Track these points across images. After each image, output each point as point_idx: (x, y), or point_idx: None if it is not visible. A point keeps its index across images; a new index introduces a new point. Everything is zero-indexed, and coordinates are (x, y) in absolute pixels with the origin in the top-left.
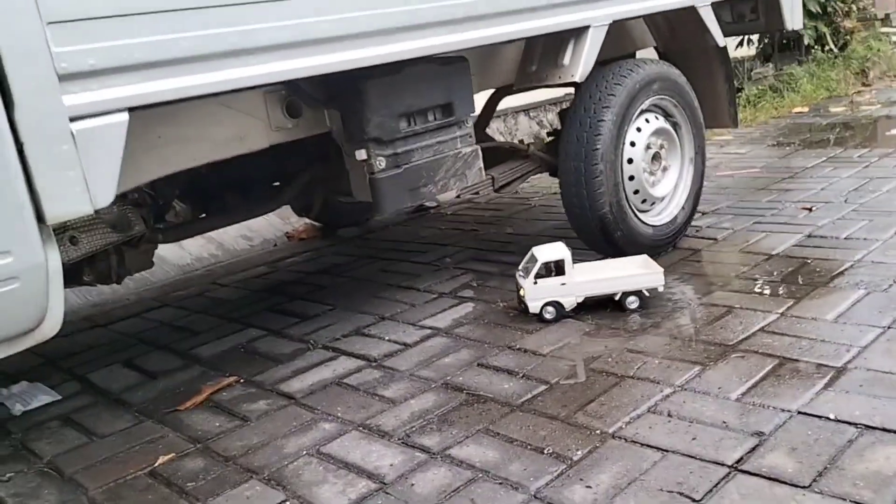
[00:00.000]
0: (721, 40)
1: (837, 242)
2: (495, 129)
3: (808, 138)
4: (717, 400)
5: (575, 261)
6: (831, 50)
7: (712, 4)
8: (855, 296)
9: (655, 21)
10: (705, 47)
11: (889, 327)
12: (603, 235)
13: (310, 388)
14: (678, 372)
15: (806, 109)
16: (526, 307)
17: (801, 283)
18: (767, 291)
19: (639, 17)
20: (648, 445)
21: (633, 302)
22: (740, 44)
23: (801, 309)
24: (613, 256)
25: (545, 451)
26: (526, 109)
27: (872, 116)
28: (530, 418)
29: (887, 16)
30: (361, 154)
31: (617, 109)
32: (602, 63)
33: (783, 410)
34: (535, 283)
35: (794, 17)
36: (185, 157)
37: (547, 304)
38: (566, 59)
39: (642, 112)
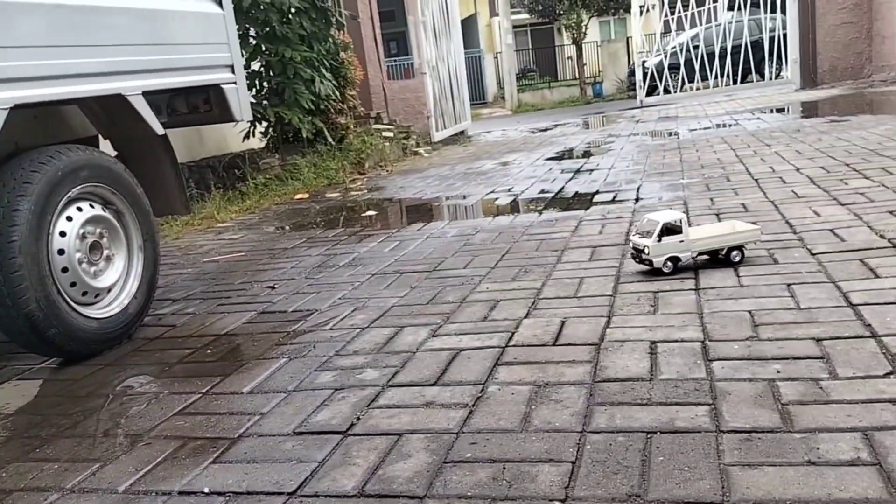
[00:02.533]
0: (159, 129)
1: (284, 316)
2: None
3: (298, 222)
4: (101, 497)
5: None
6: (329, 143)
7: (151, 94)
8: (276, 365)
9: (91, 108)
10: (147, 136)
11: (293, 391)
12: (35, 335)
13: None
14: (74, 474)
15: (306, 196)
16: (651, 262)
17: (235, 359)
18: (201, 372)
19: (53, 102)
20: None
21: (736, 256)
22: (247, 136)
23: (225, 385)
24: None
25: None
26: None
27: (357, 200)
28: None
29: (379, 114)
30: None
31: (35, 198)
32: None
33: (164, 493)
34: (660, 241)
35: (242, 110)
36: None
37: (668, 259)
38: None
39: (72, 200)
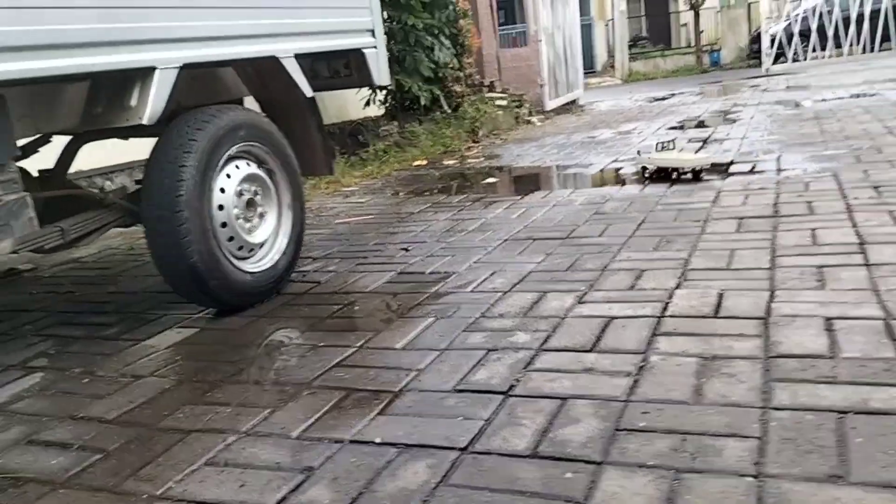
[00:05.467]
0: (308, 91)
1: (422, 277)
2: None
3: (420, 188)
4: (277, 441)
5: None
6: (445, 111)
7: (300, 57)
8: (424, 324)
9: (245, 70)
10: (296, 98)
11: (445, 349)
12: (196, 285)
13: None
14: (247, 418)
15: (425, 163)
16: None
17: (383, 316)
18: (351, 327)
19: (215, 63)
20: (195, 501)
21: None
22: (367, 103)
23: (376, 341)
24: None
25: None
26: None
27: (475, 168)
28: (72, 495)
29: (492, 83)
30: None
31: (199, 155)
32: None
33: (336, 441)
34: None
35: (381, 75)
36: None
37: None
38: (133, 101)
39: (231, 158)
